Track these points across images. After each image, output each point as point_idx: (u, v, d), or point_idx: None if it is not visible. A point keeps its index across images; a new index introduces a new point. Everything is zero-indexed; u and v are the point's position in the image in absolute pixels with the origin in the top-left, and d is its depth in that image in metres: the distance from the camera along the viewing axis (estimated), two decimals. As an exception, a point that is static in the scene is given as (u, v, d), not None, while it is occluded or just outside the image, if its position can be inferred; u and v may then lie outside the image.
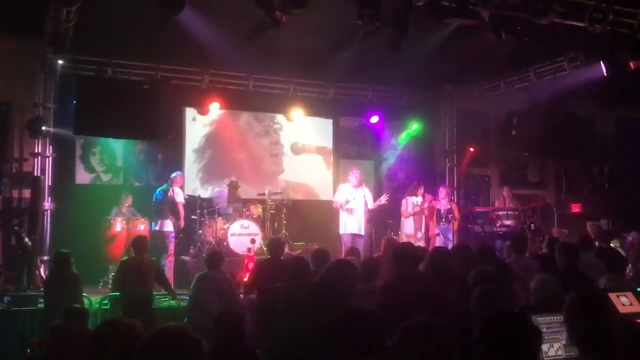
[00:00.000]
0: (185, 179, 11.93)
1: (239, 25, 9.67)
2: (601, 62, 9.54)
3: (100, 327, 3.55)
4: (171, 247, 10.22)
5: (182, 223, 10.43)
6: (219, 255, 7.54)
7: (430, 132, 13.59)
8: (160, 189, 10.51)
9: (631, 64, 9.15)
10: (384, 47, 8.48)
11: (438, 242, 10.95)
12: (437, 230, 11.18)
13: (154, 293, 8.01)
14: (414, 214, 11.19)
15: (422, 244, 10.69)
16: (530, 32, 8.42)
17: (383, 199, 10.56)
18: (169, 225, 10.22)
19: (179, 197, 10.44)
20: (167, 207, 10.27)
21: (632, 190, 14.22)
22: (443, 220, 11.16)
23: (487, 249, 6.72)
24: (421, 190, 11.34)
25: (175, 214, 10.31)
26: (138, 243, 7.75)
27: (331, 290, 4.08)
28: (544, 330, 3.60)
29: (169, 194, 10.29)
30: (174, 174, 10.60)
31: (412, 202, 11.28)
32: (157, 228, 10.23)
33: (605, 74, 9.62)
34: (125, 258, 8.00)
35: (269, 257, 7.85)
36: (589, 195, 14.51)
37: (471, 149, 13.35)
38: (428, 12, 7.71)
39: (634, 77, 9.63)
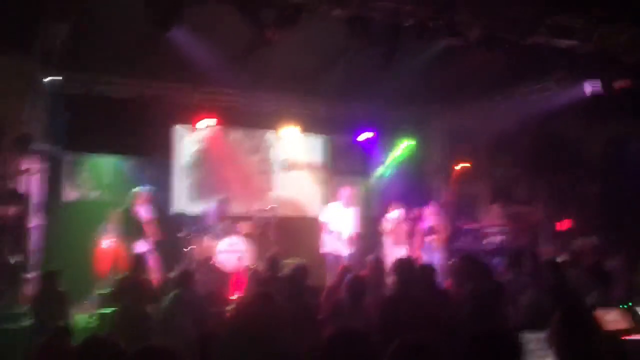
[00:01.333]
0: (173, 195, 11.94)
1: (230, 43, 9.70)
2: (587, 81, 9.64)
3: (84, 343, 3.51)
4: (151, 263, 9.74)
5: (154, 238, 9.90)
6: (189, 273, 7.43)
7: (421, 150, 13.64)
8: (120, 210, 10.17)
9: (618, 84, 9.26)
10: (374, 65, 8.53)
11: (424, 259, 10.96)
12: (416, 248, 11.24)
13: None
14: (389, 232, 11.20)
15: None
16: (517, 51, 8.49)
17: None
18: (141, 246, 9.80)
19: (145, 214, 9.94)
20: (132, 228, 9.87)
21: (621, 207, 14.30)
22: (429, 237, 11.16)
23: (485, 265, 6.77)
24: (392, 207, 11.37)
25: (142, 234, 9.85)
26: (136, 261, 7.72)
27: (251, 331, 3.87)
28: (534, 347, 3.60)
29: (130, 214, 9.92)
30: (134, 190, 10.17)
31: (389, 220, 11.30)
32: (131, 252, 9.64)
33: (592, 93, 9.71)
34: (123, 275, 7.93)
35: (268, 273, 7.81)
36: (579, 212, 14.56)
37: (461, 166, 13.36)
38: (417, 31, 7.79)
39: (622, 96, 9.74)
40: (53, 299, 7.23)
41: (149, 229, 9.90)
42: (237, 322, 3.99)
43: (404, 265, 5.55)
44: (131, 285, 7.40)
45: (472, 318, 4.01)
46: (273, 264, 7.47)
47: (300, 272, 6.57)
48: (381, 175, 13.71)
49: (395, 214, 11.45)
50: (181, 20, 7.27)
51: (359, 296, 5.64)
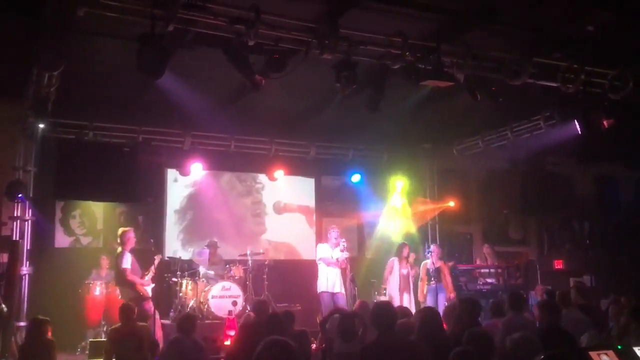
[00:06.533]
0: (165, 240, 11.90)
1: (220, 88, 9.83)
2: (575, 121, 9.74)
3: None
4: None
5: (137, 290, 9.16)
6: (191, 320, 7.32)
7: (411, 190, 13.65)
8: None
9: (604, 123, 9.36)
10: (363, 108, 8.61)
11: (428, 302, 10.90)
12: (425, 291, 11.18)
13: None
14: (392, 274, 11.14)
15: (409, 304, 10.67)
16: (505, 92, 8.59)
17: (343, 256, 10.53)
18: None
19: (124, 263, 9.18)
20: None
21: (612, 245, 14.34)
22: (433, 280, 11.08)
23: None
24: (407, 251, 11.33)
25: (123, 284, 9.32)
26: (125, 310, 7.59)
27: None
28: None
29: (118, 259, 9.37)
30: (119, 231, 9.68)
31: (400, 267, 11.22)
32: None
33: (580, 133, 9.80)
34: (115, 326, 7.79)
35: (253, 319, 7.69)
36: (571, 252, 14.58)
37: (451, 204, 13.34)
38: (404, 74, 7.89)
39: (609, 135, 9.83)
40: (40, 347, 7.09)
41: (130, 281, 9.29)
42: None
43: (377, 309, 5.48)
44: (127, 336, 7.28)
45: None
46: (259, 309, 7.37)
47: (288, 317, 6.48)
48: (372, 217, 13.60)
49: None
50: (171, 67, 7.33)
51: (350, 337, 5.59)
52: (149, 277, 9.53)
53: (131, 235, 9.47)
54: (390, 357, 4.88)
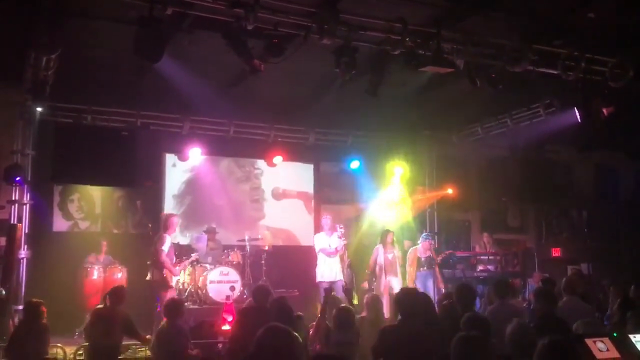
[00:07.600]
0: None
1: (219, 73, 9.77)
2: (575, 109, 9.71)
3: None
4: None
5: (163, 274, 9.26)
6: (175, 305, 7.24)
7: (410, 177, 13.63)
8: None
9: (604, 111, 9.34)
10: (362, 94, 8.59)
11: (417, 287, 10.91)
12: (414, 277, 11.21)
13: (131, 343, 7.90)
14: (384, 262, 11.16)
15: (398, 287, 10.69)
16: (505, 79, 8.56)
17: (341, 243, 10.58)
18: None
19: (161, 245, 9.34)
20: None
21: (610, 234, 14.36)
22: (424, 267, 11.11)
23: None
24: (390, 237, 11.34)
25: (155, 265, 9.39)
26: (114, 293, 7.56)
27: None
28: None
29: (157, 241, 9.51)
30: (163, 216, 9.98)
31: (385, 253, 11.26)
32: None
33: (579, 120, 9.78)
34: (98, 307, 7.79)
35: (253, 305, 7.66)
36: (569, 240, 14.61)
37: (449, 191, 13.32)
38: (404, 60, 7.85)
39: (609, 123, 9.81)
40: (33, 331, 7.06)
41: (162, 263, 9.35)
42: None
43: (408, 297, 5.49)
44: (103, 318, 7.23)
45: (456, 349, 3.97)
46: (259, 295, 7.34)
47: (285, 303, 6.48)
48: (371, 203, 13.57)
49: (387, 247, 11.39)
50: (170, 51, 7.30)
51: (347, 328, 5.60)
52: (179, 268, 9.91)
53: (174, 221, 9.84)
54: (408, 343, 4.90)
